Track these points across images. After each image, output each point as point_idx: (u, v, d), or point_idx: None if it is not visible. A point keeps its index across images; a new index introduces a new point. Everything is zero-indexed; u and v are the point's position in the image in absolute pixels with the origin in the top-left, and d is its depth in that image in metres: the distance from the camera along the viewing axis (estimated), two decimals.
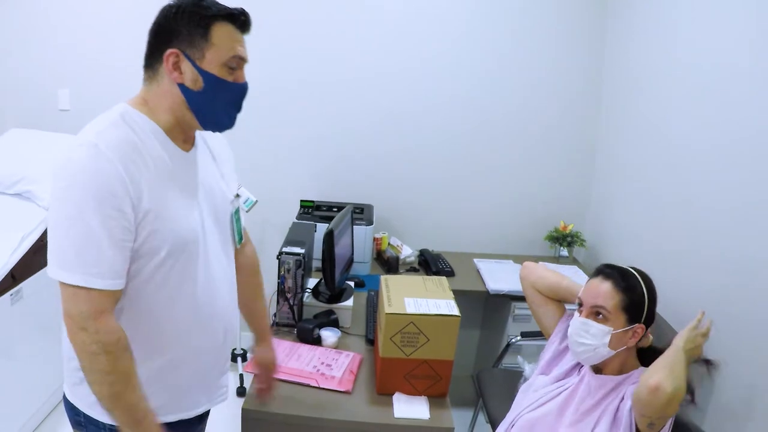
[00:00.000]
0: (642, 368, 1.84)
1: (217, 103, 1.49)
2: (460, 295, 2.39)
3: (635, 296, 1.82)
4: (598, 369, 1.90)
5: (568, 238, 3.79)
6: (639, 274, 1.87)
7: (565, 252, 3.84)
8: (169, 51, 1.43)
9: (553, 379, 2.02)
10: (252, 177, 3.58)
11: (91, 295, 1.35)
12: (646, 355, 1.88)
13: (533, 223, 3.95)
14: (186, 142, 1.57)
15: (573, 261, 3.83)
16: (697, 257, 2.64)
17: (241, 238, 1.82)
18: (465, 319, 3.83)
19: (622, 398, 1.80)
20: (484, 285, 3.35)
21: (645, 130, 3.22)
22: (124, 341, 1.40)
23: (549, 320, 2.23)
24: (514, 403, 2.10)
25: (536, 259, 3.73)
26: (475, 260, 3.72)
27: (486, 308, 3.95)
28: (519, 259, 3.72)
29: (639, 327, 1.82)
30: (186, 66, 1.44)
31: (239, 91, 1.52)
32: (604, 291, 1.82)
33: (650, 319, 1.85)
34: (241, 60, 1.50)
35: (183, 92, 1.46)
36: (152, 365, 1.54)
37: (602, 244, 3.72)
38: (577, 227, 3.83)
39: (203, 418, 1.83)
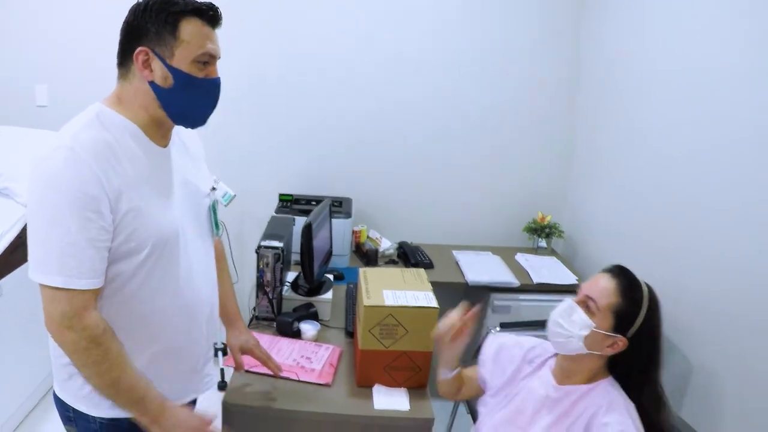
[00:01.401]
0: (611, 379, 1.71)
1: (187, 100, 1.49)
2: (439, 287, 2.40)
3: (632, 306, 1.65)
4: (562, 380, 1.76)
5: (547, 230, 3.81)
6: (649, 293, 1.68)
7: (543, 243, 3.86)
8: (138, 49, 1.43)
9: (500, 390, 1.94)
10: (231, 171, 3.57)
11: (72, 295, 1.37)
12: (619, 366, 1.72)
13: (512, 215, 3.97)
14: (163, 138, 1.58)
15: (551, 252, 3.85)
16: (675, 249, 2.67)
17: (218, 230, 1.84)
18: (444, 311, 3.83)
19: (588, 422, 1.66)
20: (463, 277, 3.37)
21: (622, 123, 3.25)
22: (110, 329, 1.44)
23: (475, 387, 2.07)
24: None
25: (514, 250, 3.76)
26: (454, 252, 3.74)
27: (465, 299, 3.94)
28: (497, 251, 3.76)
29: (621, 340, 1.64)
30: (156, 64, 1.44)
31: (211, 87, 1.52)
32: (604, 286, 1.68)
33: (641, 341, 1.66)
34: (212, 57, 1.49)
35: (154, 90, 1.46)
36: (140, 358, 1.56)
37: (580, 235, 3.75)
38: (555, 219, 3.86)
39: (190, 407, 1.83)
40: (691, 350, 2.49)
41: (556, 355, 1.82)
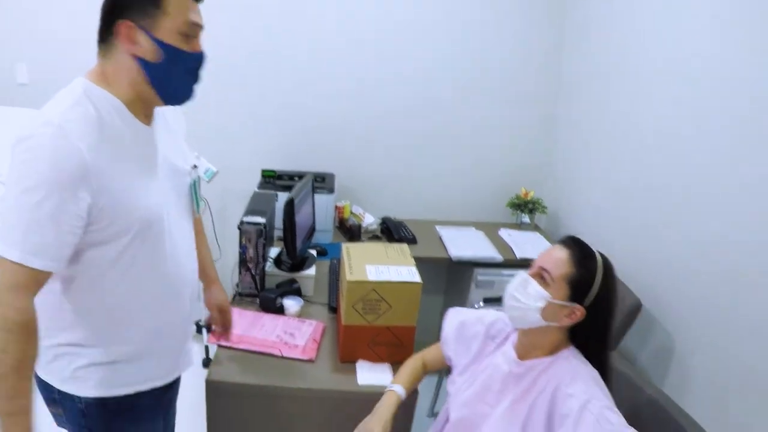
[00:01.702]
0: (572, 349, 1.69)
1: (176, 75, 1.45)
2: (422, 263, 2.40)
3: (586, 275, 1.62)
4: (524, 354, 1.73)
5: (530, 205, 3.81)
6: (603, 261, 1.67)
7: (526, 219, 3.86)
8: (121, 23, 1.37)
9: (466, 368, 1.91)
10: (213, 147, 3.54)
11: (20, 271, 1.31)
12: (578, 336, 1.70)
13: (495, 191, 3.97)
14: (148, 115, 1.54)
15: (534, 228, 3.86)
16: (656, 224, 2.69)
17: (199, 208, 1.82)
18: (428, 286, 3.85)
19: (553, 395, 1.62)
20: (447, 252, 3.37)
21: (605, 100, 3.25)
22: (32, 326, 1.35)
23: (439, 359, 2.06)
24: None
25: (498, 225, 3.76)
26: (437, 227, 3.73)
27: (449, 275, 3.97)
28: (481, 226, 3.76)
29: (578, 309, 1.62)
30: (141, 38, 1.39)
31: (197, 60, 1.48)
32: (557, 257, 1.65)
33: (597, 310, 1.64)
34: (197, 26, 1.45)
35: (142, 65, 1.42)
36: (131, 337, 1.57)
37: (563, 210, 3.75)
38: (538, 194, 3.86)
39: (173, 385, 1.83)
40: (671, 323, 2.51)
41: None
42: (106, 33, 1.42)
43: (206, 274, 2.04)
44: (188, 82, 1.50)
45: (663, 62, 2.69)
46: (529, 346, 1.72)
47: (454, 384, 1.90)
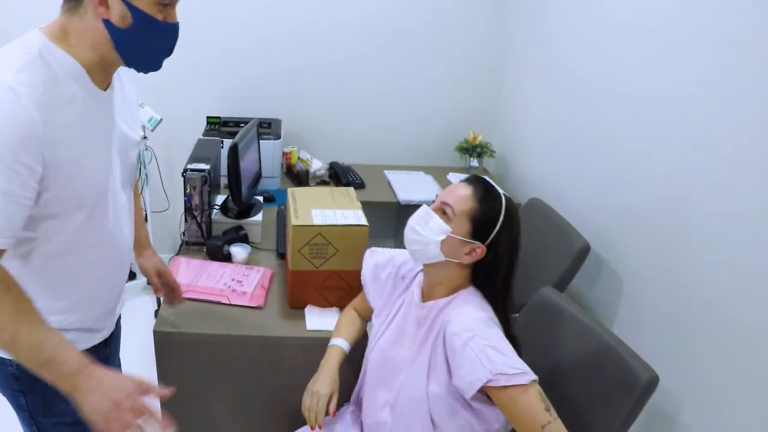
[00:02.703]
0: (470, 288, 1.69)
1: (145, 44, 1.37)
2: (372, 207, 2.39)
3: (489, 213, 1.61)
4: (427, 295, 1.73)
5: (478, 149, 3.82)
6: (507, 201, 1.64)
7: (475, 163, 3.88)
8: None
9: (381, 310, 1.93)
10: (157, 95, 3.45)
11: None
12: (478, 276, 1.69)
13: (444, 136, 3.97)
14: (106, 80, 1.45)
15: (483, 171, 3.88)
16: (600, 166, 2.73)
17: (140, 177, 1.77)
18: (378, 230, 3.85)
19: (445, 335, 1.61)
20: (395, 196, 3.37)
21: (553, 44, 3.26)
22: (8, 281, 1.30)
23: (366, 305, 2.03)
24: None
25: (446, 170, 3.77)
26: (386, 172, 3.73)
27: (398, 219, 3.99)
28: (429, 171, 3.77)
29: (479, 247, 1.61)
30: (114, 0, 1.28)
31: (171, 32, 1.40)
32: (460, 193, 1.63)
33: (498, 250, 1.62)
34: None
35: (109, 30, 1.31)
36: (66, 308, 1.53)
37: (512, 154, 3.77)
38: (487, 138, 3.86)
39: (109, 341, 1.79)
40: (620, 264, 2.56)
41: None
42: None
43: (138, 240, 1.90)
44: (157, 52, 1.42)
45: (615, 9, 2.69)
46: (431, 284, 1.72)
47: (372, 327, 1.91)
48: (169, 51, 1.44)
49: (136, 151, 1.66)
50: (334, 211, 2.14)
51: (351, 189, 2.38)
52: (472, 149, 3.82)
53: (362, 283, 2.00)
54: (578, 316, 1.94)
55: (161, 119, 3.28)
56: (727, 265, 1.96)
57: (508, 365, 1.46)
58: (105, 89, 1.45)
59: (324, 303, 2.19)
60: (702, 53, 2.10)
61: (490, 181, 1.69)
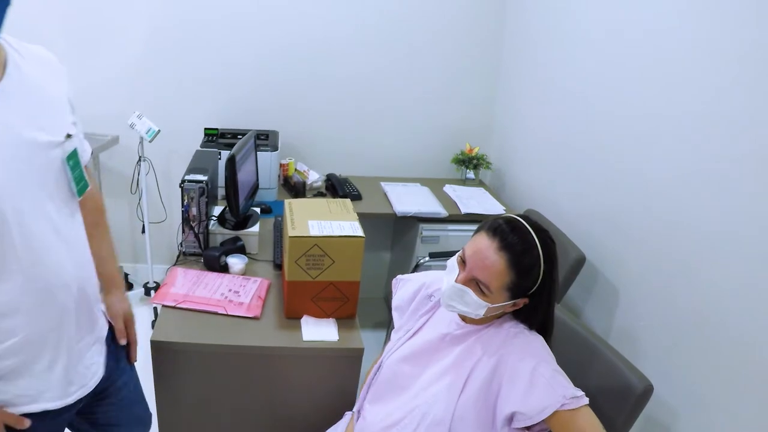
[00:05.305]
0: (512, 318, 1.65)
1: None
2: (368, 218, 2.40)
3: (528, 276, 1.53)
4: (469, 320, 1.67)
5: (474, 161, 3.83)
6: (543, 250, 1.53)
7: (471, 174, 3.89)
8: None
9: (401, 326, 1.89)
10: (155, 106, 3.49)
11: None
12: (522, 313, 1.64)
13: (440, 147, 3.98)
14: None
15: (479, 183, 3.89)
16: (597, 181, 2.75)
17: (83, 187, 1.48)
18: (375, 242, 3.86)
19: (498, 360, 1.57)
20: (392, 208, 3.38)
21: (548, 56, 3.28)
22: None
23: None
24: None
25: (443, 181, 3.78)
26: (383, 184, 3.74)
27: (395, 231, 4.00)
28: (426, 182, 3.78)
29: (522, 301, 1.57)
30: None
31: None
32: (494, 269, 1.51)
33: (541, 293, 1.57)
34: None
35: None
36: None
37: (507, 166, 3.79)
38: (483, 150, 3.88)
39: (86, 400, 1.60)
40: (614, 275, 2.57)
41: None
42: None
43: (105, 276, 1.70)
44: None
45: (610, 17, 2.71)
46: (472, 318, 1.65)
47: (390, 341, 1.90)
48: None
49: (56, 154, 1.36)
50: (330, 222, 2.15)
51: (347, 200, 2.39)
52: (468, 161, 3.84)
53: (392, 309, 1.97)
54: (573, 326, 1.96)
55: (159, 130, 3.30)
56: (722, 276, 1.98)
57: (574, 388, 1.49)
58: None
59: (320, 314, 2.20)
60: (697, 65, 2.13)
61: (520, 222, 1.56)
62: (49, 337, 1.41)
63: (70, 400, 1.50)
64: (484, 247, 1.53)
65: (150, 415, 1.96)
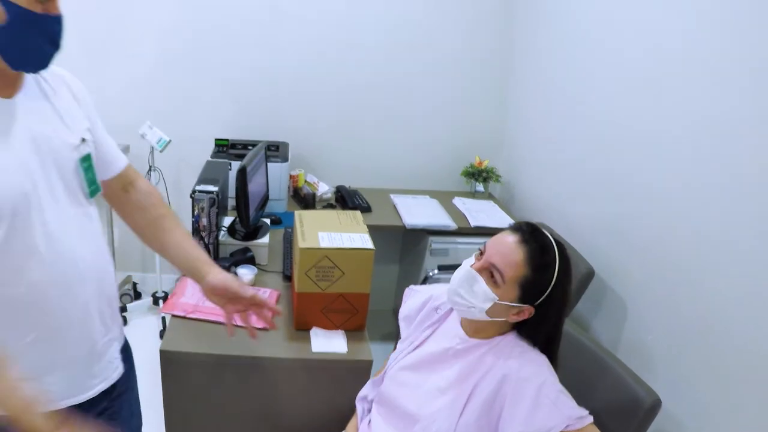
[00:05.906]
0: (516, 335, 1.63)
1: (25, 40, 1.23)
2: (377, 231, 2.40)
3: (541, 279, 1.53)
4: (473, 332, 1.66)
5: (484, 174, 3.84)
6: (560, 259, 1.55)
7: (481, 187, 3.90)
8: None
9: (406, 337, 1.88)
10: (166, 116, 3.51)
11: None
12: (526, 328, 1.62)
13: (450, 160, 3.99)
14: (7, 86, 1.31)
15: (489, 196, 3.89)
16: (607, 194, 2.74)
17: (95, 190, 1.51)
18: (384, 254, 3.86)
19: (502, 377, 1.56)
20: (401, 220, 3.38)
21: (557, 68, 3.28)
22: None
23: None
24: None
25: (452, 194, 3.79)
26: (392, 196, 3.74)
27: (404, 243, 4.00)
28: (435, 195, 3.78)
29: (528, 309, 1.55)
30: None
31: (53, 24, 1.27)
32: (512, 258, 1.52)
33: (548, 308, 1.56)
34: None
35: None
36: (17, 348, 1.34)
37: (517, 179, 3.79)
38: (492, 163, 3.89)
39: (105, 397, 1.59)
40: (623, 288, 2.56)
41: None
42: None
43: (195, 266, 1.70)
44: (41, 48, 1.27)
45: (617, 31, 2.72)
46: (475, 329, 1.66)
47: (396, 350, 1.89)
48: (52, 45, 1.29)
49: (74, 156, 1.42)
50: (340, 234, 2.16)
51: (357, 212, 2.39)
52: (478, 174, 3.84)
53: (399, 318, 1.97)
54: (581, 339, 1.96)
55: (170, 140, 3.32)
56: (725, 285, 1.97)
57: (579, 408, 1.49)
58: (10, 95, 1.32)
59: (329, 325, 2.20)
60: (706, 81, 2.12)
61: (543, 231, 1.59)
62: (69, 330, 1.44)
63: (91, 393, 1.52)
64: (505, 238, 1.56)
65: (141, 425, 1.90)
